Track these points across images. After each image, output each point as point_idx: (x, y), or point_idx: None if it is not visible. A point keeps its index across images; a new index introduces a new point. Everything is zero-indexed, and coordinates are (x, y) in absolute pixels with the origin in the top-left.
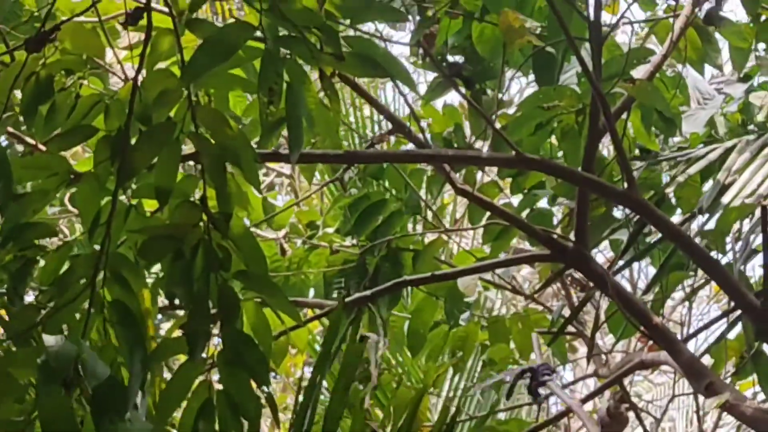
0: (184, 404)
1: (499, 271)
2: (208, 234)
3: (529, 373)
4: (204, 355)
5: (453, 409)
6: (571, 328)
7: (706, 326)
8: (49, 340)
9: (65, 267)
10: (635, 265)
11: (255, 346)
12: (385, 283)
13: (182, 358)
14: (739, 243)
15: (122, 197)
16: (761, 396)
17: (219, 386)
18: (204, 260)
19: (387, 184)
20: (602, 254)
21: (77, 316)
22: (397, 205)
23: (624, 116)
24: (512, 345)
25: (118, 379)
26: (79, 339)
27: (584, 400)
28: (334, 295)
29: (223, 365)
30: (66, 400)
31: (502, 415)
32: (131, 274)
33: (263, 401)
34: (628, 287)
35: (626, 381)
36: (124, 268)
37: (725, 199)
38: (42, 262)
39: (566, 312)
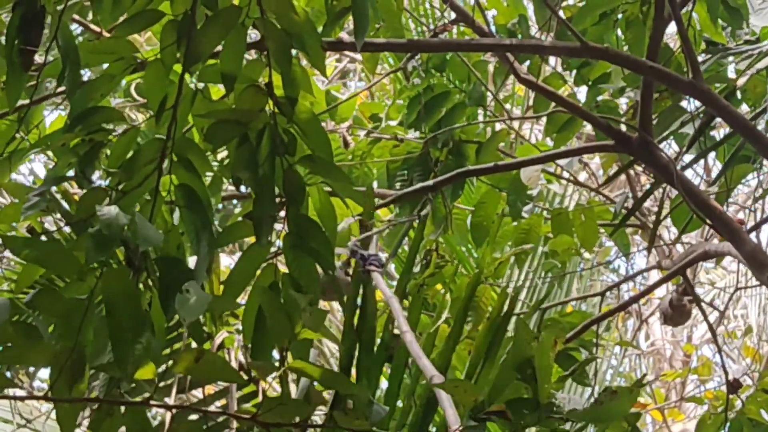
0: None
1: (562, 162)
2: (274, 119)
3: (360, 257)
4: (270, 239)
5: (509, 297)
6: (636, 221)
7: None
8: (104, 210)
9: (132, 151)
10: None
11: (320, 231)
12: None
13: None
14: None
15: (189, 82)
16: None
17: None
18: (269, 145)
19: (450, 75)
20: (670, 146)
21: (145, 197)
22: (461, 96)
23: (689, 6)
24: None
25: (184, 261)
26: (134, 210)
27: (645, 293)
28: (398, 186)
29: (289, 249)
30: (127, 276)
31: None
32: (198, 158)
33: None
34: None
35: (699, 270)
36: (190, 152)
37: None
38: (109, 147)
39: (630, 204)
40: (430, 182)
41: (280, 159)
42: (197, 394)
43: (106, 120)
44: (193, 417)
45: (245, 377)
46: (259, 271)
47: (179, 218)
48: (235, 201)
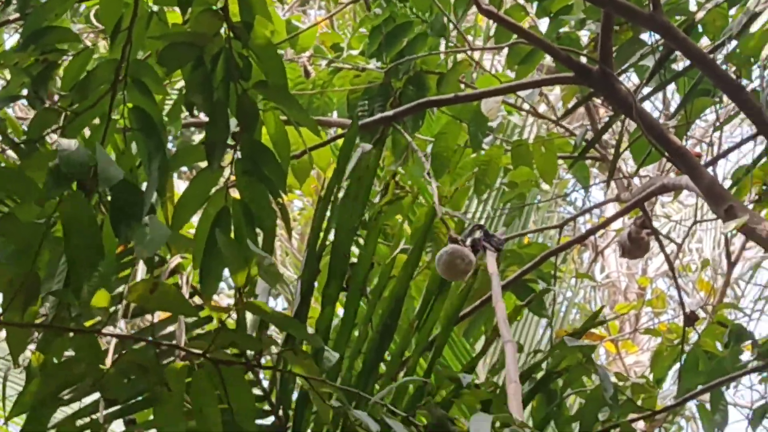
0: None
1: (523, 94)
2: (229, 43)
3: (482, 232)
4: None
5: (468, 224)
6: (596, 153)
7: (729, 151)
8: (63, 143)
9: (86, 73)
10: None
11: (273, 158)
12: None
13: None
14: (767, 71)
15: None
16: None
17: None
18: (224, 69)
19: (412, 6)
20: (630, 81)
21: (97, 121)
22: (423, 27)
23: None
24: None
25: (136, 184)
26: (96, 143)
27: (603, 225)
28: (358, 116)
29: (241, 175)
30: (86, 203)
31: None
32: (152, 81)
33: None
34: (656, 115)
35: (654, 202)
36: (145, 75)
37: (755, 27)
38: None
39: (590, 136)
40: (391, 112)
41: (234, 84)
42: (149, 317)
43: (60, 40)
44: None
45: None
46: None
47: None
48: (193, 129)
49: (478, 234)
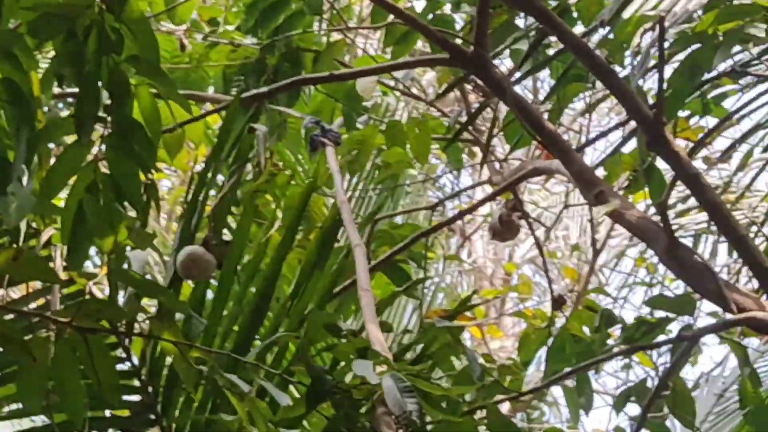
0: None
1: (398, 75)
2: (102, 15)
3: (320, 127)
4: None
5: (344, 207)
6: (469, 136)
7: (600, 136)
8: None
9: None
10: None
11: (143, 133)
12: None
13: None
14: (639, 57)
15: None
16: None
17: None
18: (96, 42)
19: None
20: (504, 65)
21: None
22: (299, 4)
23: None
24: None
25: (5, 156)
26: None
27: (474, 207)
28: (233, 92)
29: (110, 149)
30: None
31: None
32: (22, 52)
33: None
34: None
35: (522, 189)
36: (15, 46)
37: (627, 13)
38: None
39: (464, 119)
40: (266, 89)
41: (106, 58)
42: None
43: None
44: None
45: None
46: None
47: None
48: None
49: (317, 130)
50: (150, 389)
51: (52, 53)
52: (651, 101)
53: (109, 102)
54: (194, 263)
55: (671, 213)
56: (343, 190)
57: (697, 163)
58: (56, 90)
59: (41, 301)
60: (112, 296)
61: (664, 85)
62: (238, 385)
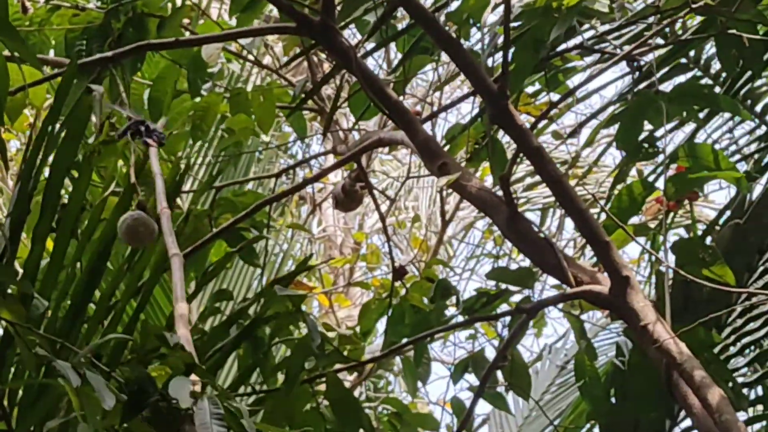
0: None
1: (245, 42)
2: None
3: (143, 126)
4: None
5: (182, 167)
6: (315, 106)
7: (444, 108)
8: None
9: None
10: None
11: None
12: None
13: None
14: (486, 32)
15: None
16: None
17: None
18: None
19: None
20: (355, 36)
21: None
22: None
23: None
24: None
25: None
26: None
27: (318, 176)
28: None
29: None
30: None
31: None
32: None
33: None
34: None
35: (373, 158)
36: None
37: None
38: None
39: (309, 87)
40: (109, 53)
41: None
42: None
43: None
44: None
45: None
46: None
47: None
48: None
49: (140, 129)
50: None
51: None
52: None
53: None
54: (141, 228)
55: (519, 186)
56: (164, 194)
57: (547, 138)
58: None
59: None
60: None
61: (509, 60)
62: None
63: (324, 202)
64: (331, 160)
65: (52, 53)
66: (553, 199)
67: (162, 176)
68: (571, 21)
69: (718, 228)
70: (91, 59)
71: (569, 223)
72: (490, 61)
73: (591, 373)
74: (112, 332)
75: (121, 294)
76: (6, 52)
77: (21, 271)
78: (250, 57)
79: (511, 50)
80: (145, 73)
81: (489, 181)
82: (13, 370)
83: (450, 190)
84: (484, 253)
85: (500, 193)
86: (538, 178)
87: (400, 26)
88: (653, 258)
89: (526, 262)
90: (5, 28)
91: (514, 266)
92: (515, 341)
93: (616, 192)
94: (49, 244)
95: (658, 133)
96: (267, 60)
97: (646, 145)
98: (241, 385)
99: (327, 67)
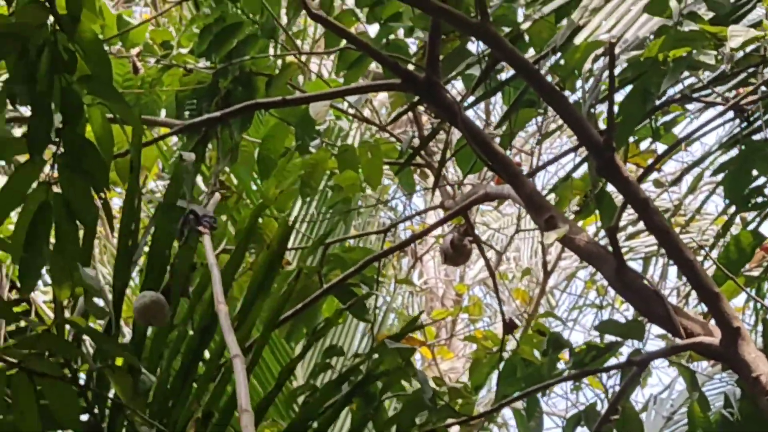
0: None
1: (351, 99)
2: (55, 35)
3: (192, 215)
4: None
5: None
6: (421, 160)
7: (551, 162)
8: None
9: None
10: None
11: (95, 152)
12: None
13: None
14: (590, 82)
15: None
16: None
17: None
18: (49, 61)
19: (243, 6)
20: (455, 89)
21: None
22: (253, 28)
23: None
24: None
25: None
26: None
27: (427, 231)
28: (186, 116)
29: (63, 168)
30: None
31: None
32: None
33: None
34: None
35: (474, 211)
36: None
37: (578, 39)
38: None
39: (416, 143)
40: (218, 113)
41: (59, 77)
42: None
43: None
44: None
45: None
46: None
47: None
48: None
49: (191, 217)
50: (96, 410)
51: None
52: (602, 126)
53: (61, 122)
54: (153, 308)
55: (621, 235)
56: (222, 290)
57: (648, 186)
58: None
59: None
60: (60, 332)
61: (615, 111)
62: None
63: (425, 255)
64: (432, 213)
65: (163, 113)
66: (655, 247)
67: (218, 267)
68: (680, 73)
69: None
70: (199, 120)
71: (672, 271)
72: (596, 111)
73: (703, 424)
74: (221, 391)
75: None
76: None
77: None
78: (351, 111)
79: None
80: (254, 132)
81: (590, 230)
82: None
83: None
84: (587, 303)
85: (604, 242)
86: (640, 226)
87: (503, 77)
88: (759, 306)
89: (630, 313)
90: (109, 92)
91: (617, 316)
92: (627, 393)
93: (722, 242)
94: None
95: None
96: (366, 113)
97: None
98: None
99: (426, 119)
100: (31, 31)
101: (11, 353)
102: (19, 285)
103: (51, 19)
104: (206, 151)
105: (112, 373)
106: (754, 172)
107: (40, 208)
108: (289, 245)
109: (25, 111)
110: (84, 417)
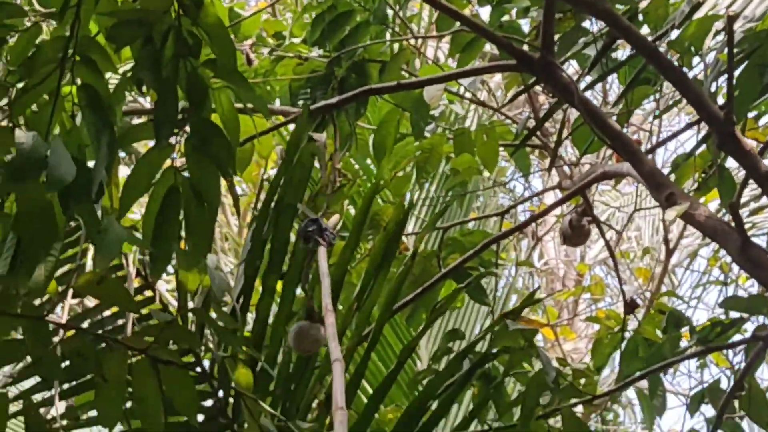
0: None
1: (465, 82)
2: (179, 20)
3: (316, 225)
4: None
5: (406, 205)
6: (538, 141)
7: (670, 138)
8: (20, 137)
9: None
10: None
11: (222, 135)
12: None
13: None
14: (710, 57)
15: None
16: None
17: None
18: (174, 47)
19: None
20: (573, 67)
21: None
22: (365, 15)
23: None
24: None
25: (84, 162)
26: (55, 136)
27: (545, 212)
28: (300, 105)
29: (190, 152)
30: (41, 189)
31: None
32: (101, 57)
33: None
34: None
35: (593, 190)
36: (93, 52)
37: (697, 16)
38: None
39: (531, 124)
40: (333, 100)
41: (184, 62)
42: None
43: (9, 16)
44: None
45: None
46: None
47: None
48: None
49: (311, 227)
50: (221, 393)
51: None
52: (721, 101)
53: (187, 107)
54: (306, 338)
55: (744, 211)
56: (330, 299)
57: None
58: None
59: (116, 308)
60: (184, 321)
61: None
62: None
63: (545, 236)
64: (550, 194)
65: (277, 102)
66: None
67: (329, 276)
68: None
69: None
70: (318, 106)
71: None
72: (712, 87)
73: None
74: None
75: (351, 335)
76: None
77: (254, 316)
78: (468, 95)
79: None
80: (370, 115)
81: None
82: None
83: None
84: (710, 280)
85: (728, 218)
86: (763, 201)
87: (617, 55)
88: None
89: (755, 289)
90: (237, 78)
91: (742, 293)
92: (752, 370)
93: None
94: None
95: None
96: (482, 96)
97: None
98: (474, 421)
99: (542, 99)
100: (156, 16)
101: (135, 341)
102: (144, 273)
103: (175, 4)
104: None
105: (233, 364)
106: None
107: (168, 193)
108: (408, 231)
109: (145, 102)
110: (208, 403)
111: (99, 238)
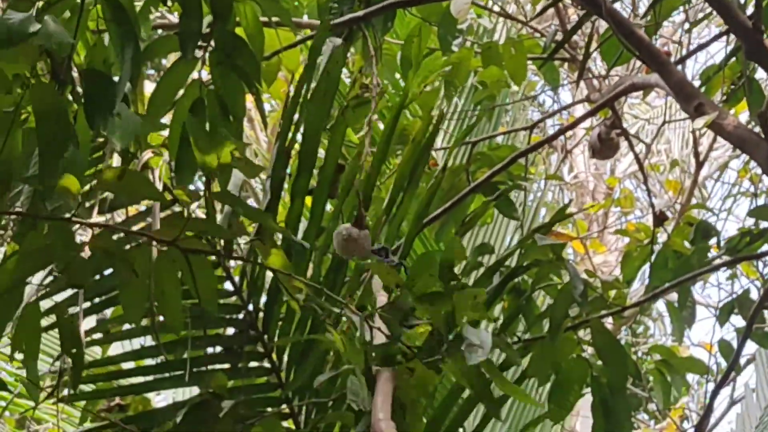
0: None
1: None
2: None
3: (384, 252)
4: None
5: (435, 117)
6: (566, 54)
7: (699, 48)
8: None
9: None
10: None
11: (247, 48)
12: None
13: None
14: None
15: None
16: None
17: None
18: None
19: None
20: None
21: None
22: None
23: None
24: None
25: (109, 75)
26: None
27: (573, 125)
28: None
29: (215, 66)
30: (55, 90)
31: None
32: None
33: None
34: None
35: (622, 103)
36: None
37: None
38: None
39: (559, 37)
40: (360, 13)
41: None
42: (121, 215)
43: None
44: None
45: (170, 197)
46: None
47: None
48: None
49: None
50: (251, 307)
51: None
52: (750, 11)
53: (212, 20)
54: (353, 243)
55: None
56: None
57: None
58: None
59: (143, 224)
60: (210, 215)
61: None
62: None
63: (574, 149)
64: (579, 107)
65: (305, 18)
66: None
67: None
68: None
69: None
70: (342, 19)
71: None
72: None
73: None
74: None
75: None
76: (261, 18)
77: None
78: (496, 8)
79: None
80: (398, 30)
81: (742, 118)
82: (280, 325)
83: (703, 131)
84: (740, 191)
85: (758, 130)
86: None
87: None
88: None
89: None
90: None
91: None
92: None
93: None
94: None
95: None
96: (510, 9)
97: None
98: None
99: (571, 12)
100: None
101: (163, 233)
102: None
103: None
104: (349, 48)
105: (264, 246)
106: None
107: (194, 105)
108: (437, 145)
109: (171, 18)
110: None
111: (111, 124)
